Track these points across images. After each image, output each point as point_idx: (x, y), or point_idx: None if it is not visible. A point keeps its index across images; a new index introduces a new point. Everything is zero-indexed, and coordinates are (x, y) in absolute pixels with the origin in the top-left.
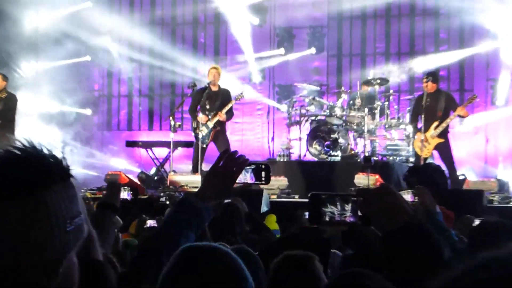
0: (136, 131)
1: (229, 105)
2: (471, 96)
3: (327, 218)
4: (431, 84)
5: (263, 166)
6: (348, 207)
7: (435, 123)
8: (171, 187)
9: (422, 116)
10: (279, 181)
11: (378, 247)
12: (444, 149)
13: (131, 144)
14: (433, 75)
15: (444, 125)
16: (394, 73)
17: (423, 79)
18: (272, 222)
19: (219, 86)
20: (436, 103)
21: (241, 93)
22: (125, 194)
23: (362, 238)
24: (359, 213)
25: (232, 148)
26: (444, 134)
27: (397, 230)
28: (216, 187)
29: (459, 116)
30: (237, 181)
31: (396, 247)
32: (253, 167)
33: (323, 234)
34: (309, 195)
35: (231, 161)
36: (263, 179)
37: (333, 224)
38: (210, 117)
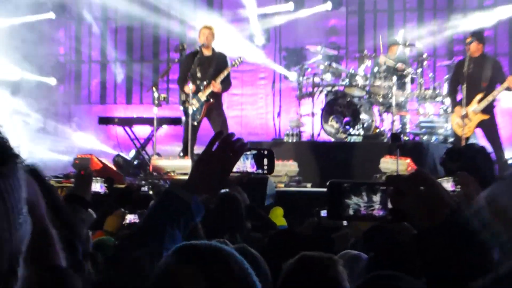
0: (111, 105)
1: (225, 73)
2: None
3: (351, 212)
4: (476, 46)
5: (266, 152)
6: (377, 197)
7: (479, 96)
8: (154, 174)
9: (463, 86)
10: (287, 167)
11: (412, 247)
12: (489, 127)
13: (105, 121)
14: (478, 35)
15: (490, 98)
16: (429, 33)
17: (465, 40)
18: (278, 217)
19: (213, 50)
20: (480, 71)
21: (240, 58)
22: (97, 186)
23: (389, 236)
24: (390, 206)
25: (230, 126)
26: (489, 109)
27: (436, 226)
28: (209, 177)
29: (508, 89)
30: (234, 170)
31: (435, 247)
32: (253, 153)
33: (344, 234)
34: (327, 184)
35: (227, 145)
36: (265, 167)
37: (359, 219)
38: (202, 87)
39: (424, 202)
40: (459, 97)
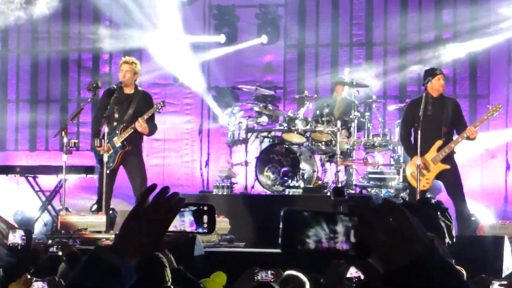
0: (12, 152)
1: (151, 111)
2: (492, 106)
3: (310, 245)
4: (442, 83)
5: (206, 208)
6: (340, 228)
7: (438, 143)
8: (63, 232)
9: (418, 130)
10: (217, 223)
11: None
12: (451, 178)
13: (4, 170)
14: (441, 70)
15: (452, 146)
16: (378, 72)
17: (423, 79)
18: (218, 286)
19: (135, 88)
20: (440, 114)
21: (162, 102)
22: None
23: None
24: (353, 240)
25: (151, 176)
26: (450, 158)
27: (407, 266)
28: (141, 238)
29: (468, 138)
30: (170, 229)
31: None
32: (192, 209)
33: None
34: (282, 212)
35: (162, 201)
36: (205, 226)
37: (320, 253)
38: (118, 131)
39: (393, 236)
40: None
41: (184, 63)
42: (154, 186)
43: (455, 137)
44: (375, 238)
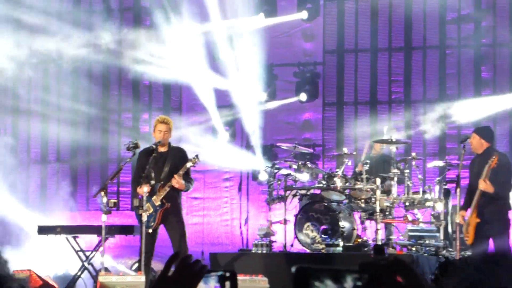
0: (52, 212)
1: (186, 166)
2: (492, 158)
3: None
4: (470, 142)
5: (228, 274)
6: (350, 284)
7: (475, 198)
8: None
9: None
10: (256, 283)
11: None
12: (492, 234)
13: (45, 230)
14: (477, 130)
15: (474, 198)
16: (417, 128)
17: (461, 138)
18: None
19: (169, 145)
20: (482, 169)
21: (196, 156)
22: None
23: None
24: None
25: (191, 235)
26: (485, 211)
27: None
28: None
29: (483, 193)
30: None
31: None
32: (213, 275)
33: None
34: (294, 269)
35: (185, 269)
36: None
37: None
38: (156, 189)
39: None
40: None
41: None
42: (177, 253)
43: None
44: None
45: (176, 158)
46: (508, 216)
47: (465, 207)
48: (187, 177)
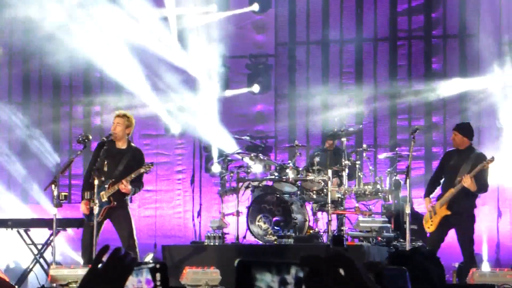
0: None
1: (137, 172)
2: (487, 159)
3: None
4: (452, 138)
5: (158, 266)
6: (290, 279)
7: (450, 191)
8: (53, 285)
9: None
10: (208, 275)
11: None
12: (459, 228)
13: None
14: (459, 127)
15: (453, 191)
16: (368, 119)
17: (411, 130)
18: None
19: (128, 143)
20: (460, 165)
21: (151, 163)
22: None
23: None
24: None
25: (143, 228)
26: (457, 206)
27: None
28: None
29: (464, 189)
30: None
31: None
32: (145, 268)
33: None
34: (236, 263)
35: (115, 261)
36: (158, 282)
37: None
38: (106, 185)
39: (343, 286)
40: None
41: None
42: (107, 247)
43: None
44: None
45: (132, 159)
46: (475, 212)
47: (428, 195)
48: (138, 181)
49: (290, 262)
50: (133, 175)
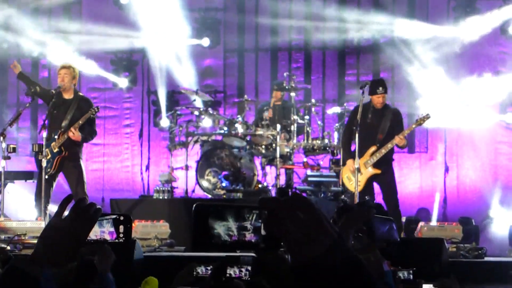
0: None
1: (84, 118)
2: (421, 116)
3: (220, 239)
4: (384, 98)
5: (122, 218)
6: (249, 222)
7: (373, 148)
8: (2, 237)
9: (356, 135)
10: (157, 228)
11: (287, 281)
12: (384, 183)
13: None
14: (384, 85)
15: (383, 151)
16: (317, 75)
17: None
18: None
19: (75, 93)
20: (379, 122)
21: (97, 107)
22: None
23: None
24: (263, 232)
25: (91, 181)
26: (383, 163)
27: (315, 257)
28: (59, 248)
29: (397, 146)
30: (89, 239)
31: (313, 281)
32: (108, 219)
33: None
34: (194, 207)
35: (79, 212)
36: (121, 234)
37: (229, 247)
38: (56, 136)
39: (301, 229)
40: (352, 147)
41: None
42: (70, 196)
43: None
44: (284, 231)
45: (79, 108)
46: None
47: (350, 155)
48: (90, 128)
49: (250, 206)
50: (80, 122)
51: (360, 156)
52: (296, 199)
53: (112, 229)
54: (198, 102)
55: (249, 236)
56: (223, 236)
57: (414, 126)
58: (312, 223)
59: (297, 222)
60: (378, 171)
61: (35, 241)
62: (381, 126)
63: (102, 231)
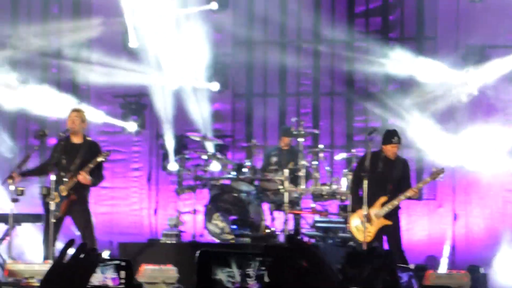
0: None
1: (94, 162)
2: (435, 170)
3: (225, 283)
4: (398, 148)
5: (123, 264)
6: (252, 269)
7: (383, 198)
8: (10, 280)
9: (365, 182)
10: (165, 272)
11: None
12: (391, 233)
13: None
14: (399, 136)
15: (395, 203)
16: (326, 121)
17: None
18: None
19: (84, 138)
20: (390, 172)
21: (108, 151)
22: None
23: None
24: (266, 279)
25: (99, 225)
26: (392, 214)
27: None
28: None
29: (409, 198)
30: (91, 285)
31: None
32: (110, 265)
33: None
34: (198, 253)
35: (80, 257)
36: (122, 280)
37: None
38: (65, 180)
39: (305, 278)
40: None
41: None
42: (72, 241)
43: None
44: (287, 279)
45: (89, 152)
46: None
47: (360, 204)
48: (98, 172)
49: (253, 253)
50: (91, 165)
51: (370, 205)
52: (300, 248)
53: (115, 275)
54: (208, 146)
55: (251, 283)
56: (225, 283)
57: (429, 179)
58: (315, 272)
59: (300, 270)
60: (390, 223)
61: None
62: (391, 176)
63: (104, 277)
